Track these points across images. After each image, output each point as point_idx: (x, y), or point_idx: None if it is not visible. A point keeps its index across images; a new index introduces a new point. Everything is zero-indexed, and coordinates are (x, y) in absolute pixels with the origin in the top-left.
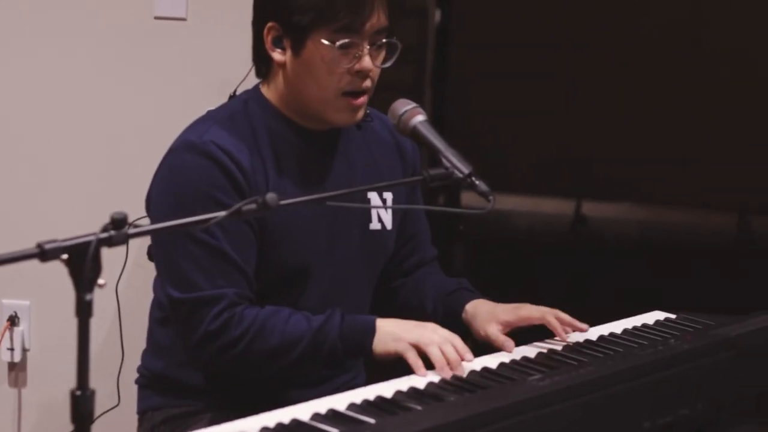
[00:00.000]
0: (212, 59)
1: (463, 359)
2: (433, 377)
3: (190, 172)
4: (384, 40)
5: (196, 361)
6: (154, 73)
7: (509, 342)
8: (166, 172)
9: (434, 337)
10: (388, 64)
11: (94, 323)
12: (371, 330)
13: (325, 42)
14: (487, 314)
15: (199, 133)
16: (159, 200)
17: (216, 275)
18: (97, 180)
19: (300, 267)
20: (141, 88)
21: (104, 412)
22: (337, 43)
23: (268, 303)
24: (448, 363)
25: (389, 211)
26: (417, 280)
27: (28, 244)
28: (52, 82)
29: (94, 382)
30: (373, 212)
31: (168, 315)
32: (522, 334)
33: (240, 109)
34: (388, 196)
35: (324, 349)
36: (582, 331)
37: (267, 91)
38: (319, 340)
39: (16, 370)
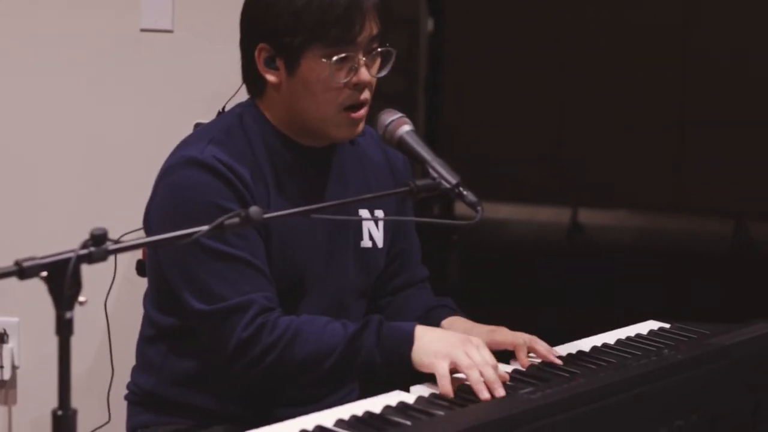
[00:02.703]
0: (199, 72)
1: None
2: (423, 392)
3: (194, 187)
4: (378, 49)
5: (231, 372)
6: (140, 86)
7: None
8: (167, 189)
9: (476, 357)
10: (383, 73)
11: (84, 339)
12: (410, 339)
13: (321, 59)
14: (461, 333)
15: (199, 149)
16: (162, 217)
17: (241, 283)
18: (82, 194)
19: (296, 282)
20: (127, 100)
21: (94, 430)
22: (333, 59)
23: None
24: (487, 386)
25: (380, 229)
26: (402, 300)
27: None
28: (38, 95)
29: (84, 399)
30: (365, 230)
31: (157, 333)
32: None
33: (236, 123)
34: (380, 213)
35: (360, 358)
36: (556, 363)
37: (261, 106)
38: (355, 347)
39: (6, 388)
